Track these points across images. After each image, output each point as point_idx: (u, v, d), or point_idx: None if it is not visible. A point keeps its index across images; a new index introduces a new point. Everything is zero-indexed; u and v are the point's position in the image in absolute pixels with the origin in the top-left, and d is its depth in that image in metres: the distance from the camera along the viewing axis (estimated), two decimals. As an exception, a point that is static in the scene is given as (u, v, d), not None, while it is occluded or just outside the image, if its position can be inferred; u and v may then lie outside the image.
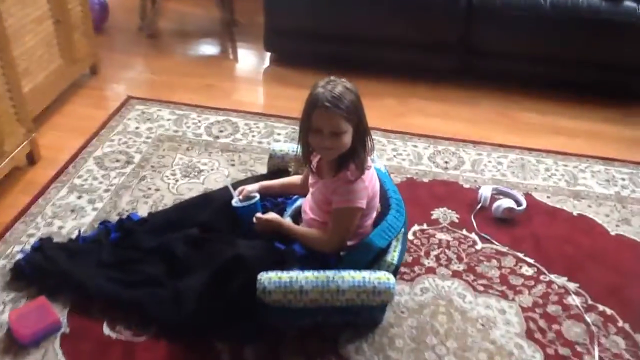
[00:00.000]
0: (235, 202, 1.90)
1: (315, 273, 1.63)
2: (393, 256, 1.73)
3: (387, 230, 1.73)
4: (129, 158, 2.47)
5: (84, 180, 2.33)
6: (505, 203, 2.22)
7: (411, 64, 3.21)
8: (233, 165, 2.46)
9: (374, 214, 1.82)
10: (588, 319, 1.87)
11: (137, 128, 2.68)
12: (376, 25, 3.10)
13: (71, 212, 2.16)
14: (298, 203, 1.95)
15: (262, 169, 2.42)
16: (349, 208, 1.69)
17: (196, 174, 2.40)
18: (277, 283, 1.60)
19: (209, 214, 1.96)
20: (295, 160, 2.04)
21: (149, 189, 2.30)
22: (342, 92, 1.62)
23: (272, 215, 1.82)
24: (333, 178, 1.70)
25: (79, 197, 2.24)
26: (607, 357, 1.76)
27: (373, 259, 1.69)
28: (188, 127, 2.70)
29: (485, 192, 2.28)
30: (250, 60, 3.53)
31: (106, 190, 2.28)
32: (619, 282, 2.01)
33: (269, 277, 1.61)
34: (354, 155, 1.67)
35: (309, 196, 1.86)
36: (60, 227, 2.09)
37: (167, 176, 2.38)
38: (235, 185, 2.00)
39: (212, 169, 2.43)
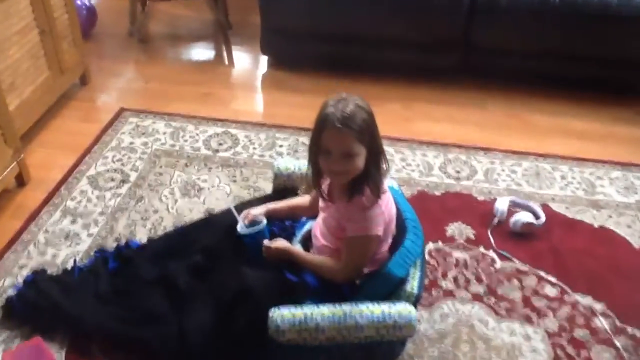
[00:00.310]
0: (240, 227, 1.77)
1: (331, 308, 1.52)
2: (412, 285, 1.61)
3: (406, 257, 1.61)
4: (125, 176, 2.34)
5: (77, 203, 2.20)
6: (523, 217, 2.11)
7: (413, 64, 3.08)
8: (235, 181, 2.33)
9: (390, 239, 1.71)
10: (618, 344, 1.77)
11: (131, 143, 2.54)
12: (377, 24, 2.96)
13: (65, 239, 2.04)
14: (307, 227, 1.83)
15: (265, 185, 2.30)
16: (365, 236, 1.57)
17: (196, 192, 2.27)
18: (291, 321, 1.48)
19: (212, 238, 1.83)
20: (304, 179, 1.92)
21: (147, 210, 2.18)
22: (354, 111, 1.50)
23: (281, 243, 1.69)
24: (347, 204, 1.58)
25: (73, 222, 2.11)
26: (641, 385, 1.67)
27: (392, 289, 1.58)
28: (185, 140, 2.57)
29: (502, 205, 2.17)
30: (247, 64, 3.39)
31: (101, 214, 2.15)
32: (645, 300, 1.91)
33: (281, 315, 1.49)
34: (369, 179, 1.55)
35: (319, 220, 1.74)
36: (54, 256, 1.97)
37: (165, 195, 2.25)
38: (240, 207, 1.86)
39: (212, 186, 2.30)
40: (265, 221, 1.75)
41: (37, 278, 1.82)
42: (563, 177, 2.43)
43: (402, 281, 1.59)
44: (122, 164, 2.41)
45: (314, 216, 1.83)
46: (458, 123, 2.79)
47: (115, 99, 2.93)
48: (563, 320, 1.83)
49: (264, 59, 3.33)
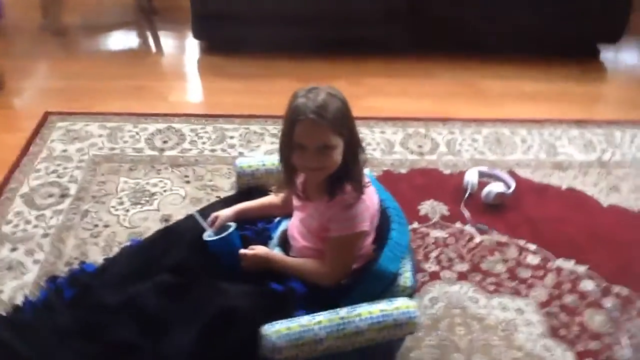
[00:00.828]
0: (208, 235, 1.61)
1: (327, 315, 1.40)
2: (406, 278, 1.51)
3: (395, 249, 1.51)
4: (64, 190, 2.10)
5: (14, 227, 1.95)
6: (495, 188, 2.06)
7: (360, 39, 2.96)
8: (188, 182, 2.15)
9: (374, 231, 1.60)
10: (607, 304, 1.76)
11: (64, 151, 2.29)
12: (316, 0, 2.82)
13: (8, 270, 1.80)
14: (282, 227, 1.69)
15: (222, 183, 2.14)
16: (351, 235, 1.45)
17: (147, 199, 2.08)
18: (288, 336, 1.35)
19: (179, 252, 1.65)
20: (272, 176, 1.77)
21: (96, 225, 1.96)
22: (327, 100, 1.37)
23: (259, 249, 1.55)
24: (327, 203, 1.45)
25: (13, 249, 1.87)
26: (637, 344, 1.66)
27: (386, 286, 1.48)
28: (125, 142, 2.35)
29: (471, 177, 2.12)
30: (178, 51, 3.17)
31: (45, 235, 1.92)
32: (624, 258, 1.91)
33: (276, 331, 1.36)
34: (348, 175, 1.42)
35: (295, 221, 1.60)
36: (-1, 292, 1.74)
37: (113, 206, 2.04)
38: (203, 213, 1.70)
39: (164, 190, 2.11)
40: (234, 225, 1.60)
41: (-17, 323, 1.59)
42: (523, 141, 2.41)
43: (396, 276, 1.50)
44: (58, 176, 2.16)
45: (286, 214, 1.70)
46: (412, 96, 2.71)
47: (37, 103, 2.64)
48: (550, 288, 1.81)
49: (194, 44, 3.11)
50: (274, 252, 1.58)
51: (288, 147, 1.42)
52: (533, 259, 1.90)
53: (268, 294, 1.48)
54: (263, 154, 2.29)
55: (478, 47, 2.99)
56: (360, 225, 1.45)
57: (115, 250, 1.86)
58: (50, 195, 2.08)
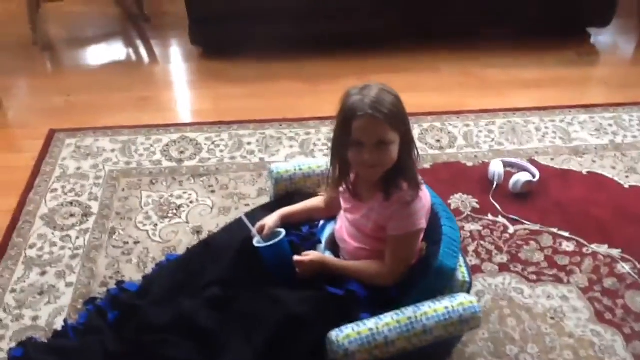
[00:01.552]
0: (257, 241, 1.57)
1: (394, 316, 1.39)
2: (463, 273, 1.52)
3: (451, 245, 1.51)
4: (85, 209, 2.04)
5: (39, 250, 1.88)
6: (522, 177, 2.08)
7: (363, 34, 2.95)
8: (213, 192, 2.11)
9: (423, 228, 1.60)
10: (646, 285, 1.80)
11: (79, 168, 2.22)
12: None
13: (40, 295, 1.74)
14: (328, 230, 1.67)
15: (249, 190, 2.11)
16: (411, 233, 1.44)
17: (175, 211, 2.03)
18: (359, 340, 1.34)
19: (224, 264, 1.61)
20: (312, 181, 1.75)
21: (126, 242, 1.91)
22: (382, 96, 1.36)
23: (313, 255, 1.52)
24: (383, 202, 1.44)
25: (43, 273, 1.80)
26: (679, 322, 1.70)
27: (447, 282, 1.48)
28: (141, 155, 2.29)
29: (497, 168, 2.13)
30: (172, 59, 3.10)
31: (73, 257, 1.86)
32: (654, 237, 1.96)
33: (346, 336, 1.34)
34: (404, 172, 1.42)
35: (344, 223, 1.58)
36: (35, 318, 1.67)
37: (140, 222, 1.99)
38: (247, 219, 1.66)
39: (191, 202, 2.07)
40: (284, 232, 1.57)
41: (28, 350, 1.51)
42: (537, 129, 2.44)
43: (454, 271, 1.50)
44: (77, 195, 2.10)
45: (330, 217, 1.68)
46: (419, 90, 2.72)
47: (37, 120, 2.54)
48: (589, 273, 1.83)
49: (189, 51, 3.05)
50: (329, 256, 1.56)
51: (344, 145, 1.41)
52: (568, 246, 1.92)
53: (329, 299, 1.46)
54: (284, 158, 2.26)
55: (476, 35, 3.01)
56: (419, 223, 1.45)
57: (151, 266, 1.81)
58: (72, 215, 2.01)
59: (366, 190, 1.50)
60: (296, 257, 1.51)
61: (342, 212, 1.61)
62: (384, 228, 1.47)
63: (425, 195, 1.49)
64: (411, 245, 1.47)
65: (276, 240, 1.53)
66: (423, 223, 1.46)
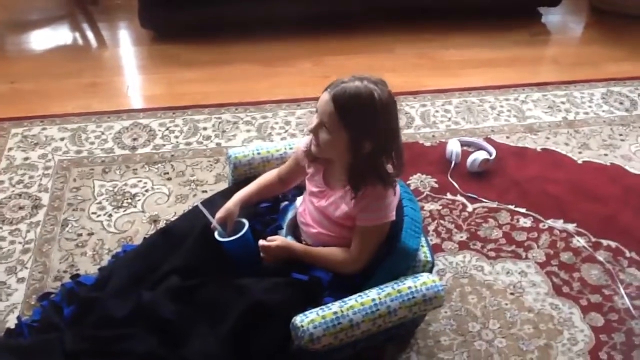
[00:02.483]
0: (219, 234, 1.54)
1: (358, 299, 1.39)
2: (425, 253, 1.52)
3: (412, 226, 1.51)
4: (35, 201, 1.95)
5: (-13, 245, 1.80)
6: (479, 156, 2.10)
7: (318, 16, 2.91)
8: (169, 179, 2.05)
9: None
10: (600, 258, 1.84)
11: (26, 159, 2.13)
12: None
13: (-10, 293, 1.66)
14: (290, 214, 1.65)
15: (206, 176, 2.06)
16: (380, 225, 1.45)
17: (130, 200, 1.97)
18: (324, 324, 1.33)
19: (184, 253, 1.58)
20: (271, 165, 1.72)
21: (80, 234, 1.84)
22: (358, 90, 1.38)
23: (279, 240, 1.50)
24: (359, 195, 1.42)
25: (-8, 270, 1.73)
26: (632, 292, 1.75)
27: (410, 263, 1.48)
28: (92, 143, 2.20)
29: (455, 147, 2.15)
30: (124, 43, 2.99)
31: (25, 251, 1.78)
32: (607, 211, 2.00)
33: (311, 321, 1.33)
34: (371, 173, 1.41)
35: (307, 206, 1.57)
36: (-15, 317, 1.60)
37: (94, 212, 1.92)
38: (205, 207, 1.62)
39: (146, 190, 2.01)
40: (247, 224, 1.54)
41: (-22, 352, 1.46)
42: (492, 108, 2.46)
43: (416, 252, 1.50)
44: (26, 186, 2.01)
45: (285, 192, 1.68)
46: (373, 71, 2.57)
47: (-19, 110, 2.43)
48: (546, 248, 1.87)
49: (139, 34, 2.95)
50: (294, 242, 1.54)
51: None
52: (525, 222, 1.95)
53: (294, 285, 1.45)
54: (242, 142, 2.22)
55: (425, 17, 3.02)
56: (389, 215, 1.46)
57: (107, 258, 1.76)
58: (21, 208, 1.93)
59: (338, 180, 1.48)
60: (262, 242, 1.49)
61: (305, 196, 1.59)
62: (352, 217, 1.46)
63: (397, 189, 1.49)
64: (379, 237, 1.47)
65: (240, 234, 1.50)
66: (393, 215, 1.46)
